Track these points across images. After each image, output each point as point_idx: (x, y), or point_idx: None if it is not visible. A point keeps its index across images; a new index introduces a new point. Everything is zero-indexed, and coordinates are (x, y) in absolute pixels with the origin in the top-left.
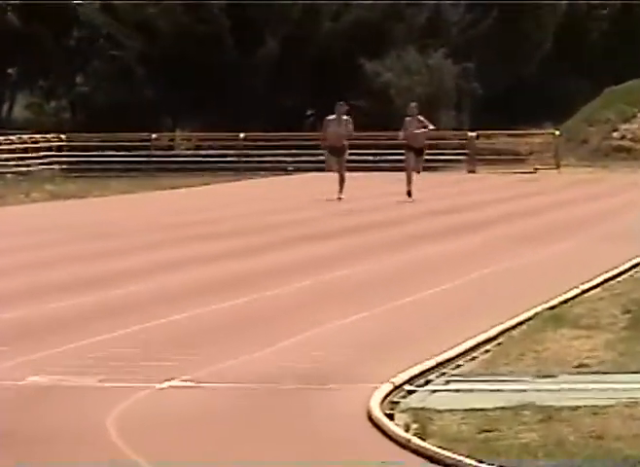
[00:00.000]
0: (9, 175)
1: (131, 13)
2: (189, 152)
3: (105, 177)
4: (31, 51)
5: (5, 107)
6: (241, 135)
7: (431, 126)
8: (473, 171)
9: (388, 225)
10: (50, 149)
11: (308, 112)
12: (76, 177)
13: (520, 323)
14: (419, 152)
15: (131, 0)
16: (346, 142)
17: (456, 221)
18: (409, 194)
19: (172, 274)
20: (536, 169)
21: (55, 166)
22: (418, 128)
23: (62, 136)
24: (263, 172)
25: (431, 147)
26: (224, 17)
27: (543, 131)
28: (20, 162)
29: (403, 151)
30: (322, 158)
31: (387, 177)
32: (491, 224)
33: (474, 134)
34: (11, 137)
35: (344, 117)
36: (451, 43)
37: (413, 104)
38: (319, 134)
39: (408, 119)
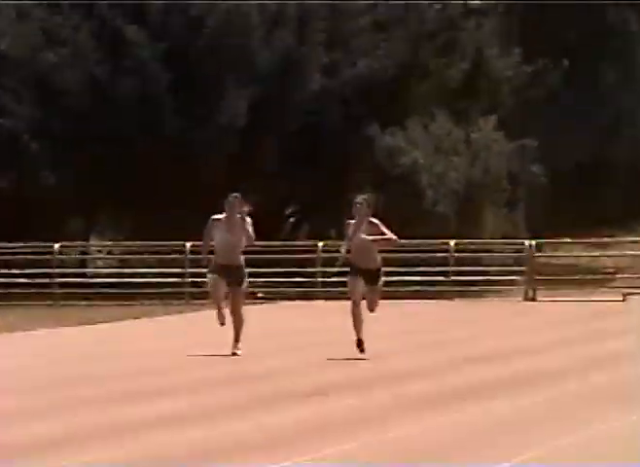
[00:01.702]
0: None
1: (26, 62)
2: (109, 270)
3: None
4: None
5: None
6: (187, 245)
7: (390, 236)
8: (532, 299)
9: (414, 376)
10: None
11: (288, 210)
12: None
13: None
14: (372, 276)
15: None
16: (240, 257)
17: (507, 372)
18: (359, 344)
19: None
20: (626, 296)
21: None
22: (370, 236)
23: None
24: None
25: (471, 262)
26: (160, 69)
27: (637, 239)
28: None
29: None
30: (307, 279)
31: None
32: (557, 376)
33: (533, 244)
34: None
35: (239, 216)
36: (503, 107)
37: (360, 199)
38: (299, 244)
39: (352, 222)
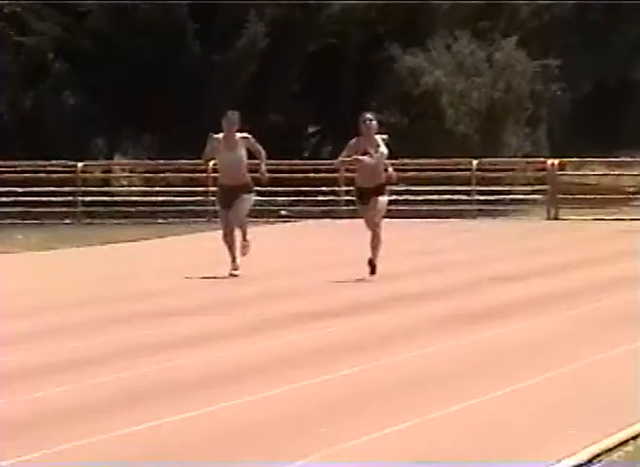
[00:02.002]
0: None
1: None
2: (132, 189)
3: (7, 226)
4: None
5: None
6: (211, 164)
7: (390, 173)
8: (554, 218)
9: (435, 297)
10: None
11: (310, 129)
12: None
13: None
14: (374, 193)
15: None
16: (247, 177)
17: (530, 291)
18: (371, 265)
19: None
20: None
21: None
22: (372, 156)
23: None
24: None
25: (494, 181)
26: None
27: None
28: None
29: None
30: (332, 197)
31: (430, 226)
32: (578, 296)
33: (556, 163)
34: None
35: (240, 135)
36: (524, 28)
37: (370, 115)
38: (322, 163)
39: (355, 141)
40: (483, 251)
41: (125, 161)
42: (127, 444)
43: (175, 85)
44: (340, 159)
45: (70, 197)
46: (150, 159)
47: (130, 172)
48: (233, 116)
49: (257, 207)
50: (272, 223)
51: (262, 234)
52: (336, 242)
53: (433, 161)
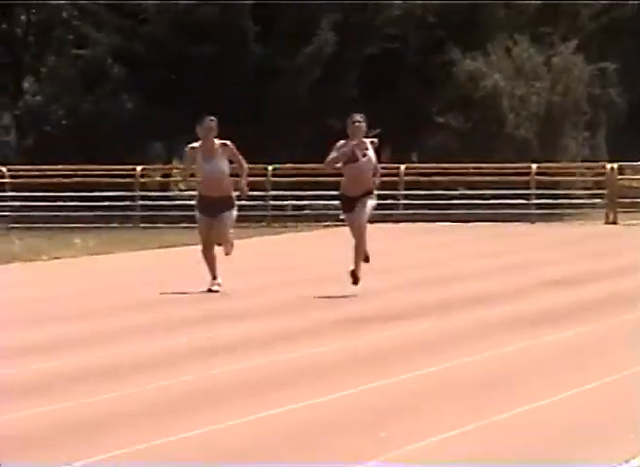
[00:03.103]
0: None
1: None
2: (191, 192)
3: (65, 231)
4: None
5: None
6: (269, 168)
7: (378, 170)
8: (613, 222)
9: (493, 300)
10: None
11: (370, 134)
12: (21, 230)
13: None
14: (363, 197)
15: None
16: (229, 187)
17: (590, 295)
18: (353, 276)
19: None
20: None
21: None
22: (365, 159)
23: (2, 169)
24: (299, 223)
25: (553, 186)
26: None
27: None
28: None
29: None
30: (390, 201)
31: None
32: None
33: (615, 167)
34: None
35: (219, 142)
36: (582, 32)
37: (360, 117)
38: (382, 167)
39: (342, 144)
40: (541, 255)
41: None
42: (192, 446)
43: (235, 88)
44: (329, 158)
45: (128, 202)
46: None
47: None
48: (212, 122)
49: (315, 212)
50: (330, 226)
51: (314, 238)
52: (393, 245)
53: (492, 165)
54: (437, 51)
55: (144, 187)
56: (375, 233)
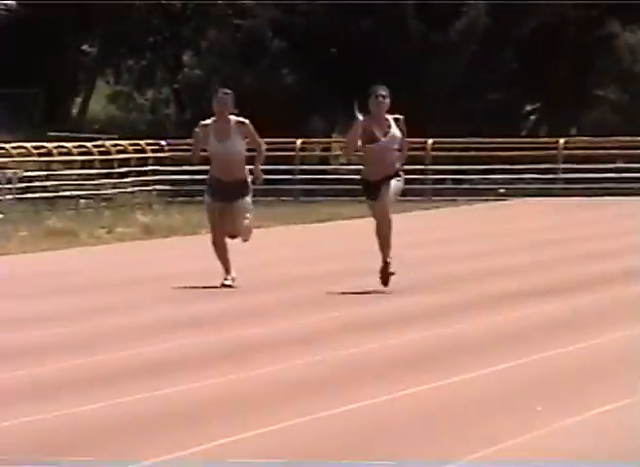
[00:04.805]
0: (82, 201)
1: None
2: (348, 167)
3: None
4: (116, 17)
5: (77, 101)
6: (429, 142)
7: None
8: None
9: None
10: (144, 162)
11: (527, 108)
12: (181, 204)
13: None
14: (387, 180)
15: None
16: (246, 172)
17: None
18: (384, 274)
19: None
20: None
21: (151, 188)
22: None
23: (162, 143)
24: (458, 197)
25: None
26: None
27: None
28: (100, 183)
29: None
30: (549, 176)
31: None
32: None
33: None
34: (86, 145)
35: (235, 118)
36: None
37: (383, 91)
38: (541, 141)
39: (363, 121)
40: None
41: (342, 140)
42: (270, 443)
43: (396, 63)
44: (346, 143)
45: (288, 175)
46: None
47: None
48: (226, 96)
49: (476, 186)
50: (491, 201)
51: (477, 212)
52: (549, 220)
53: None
54: (596, 24)
55: (304, 161)
56: (532, 208)
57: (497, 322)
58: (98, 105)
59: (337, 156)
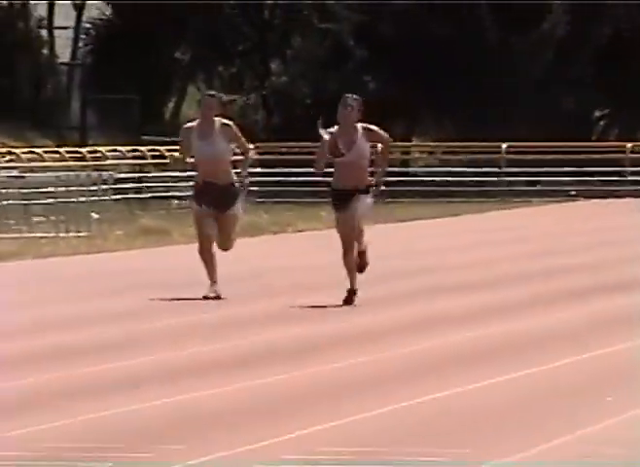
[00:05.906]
0: (175, 202)
1: None
2: (427, 169)
3: (312, 205)
4: (208, 26)
5: (170, 105)
6: (503, 146)
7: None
8: None
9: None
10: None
11: (596, 113)
12: (269, 204)
13: None
14: (356, 193)
15: None
16: (231, 172)
17: None
18: (348, 296)
19: None
20: None
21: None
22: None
23: (251, 146)
24: (530, 199)
25: None
26: None
27: None
28: (191, 184)
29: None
30: (617, 178)
31: None
32: None
33: None
34: (177, 148)
35: (220, 120)
36: None
37: (352, 98)
38: (610, 145)
39: (334, 131)
40: None
41: (423, 143)
42: (334, 437)
43: (475, 67)
44: (315, 159)
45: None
46: (448, 140)
47: (429, 154)
48: (212, 99)
49: (546, 188)
50: (561, 201)
51: (550, 212)
52: (615, 221)
53: None
54: None
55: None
56: (600, 209)
57: (571, 316)
58: (190, 110)
59: (416, 159)
